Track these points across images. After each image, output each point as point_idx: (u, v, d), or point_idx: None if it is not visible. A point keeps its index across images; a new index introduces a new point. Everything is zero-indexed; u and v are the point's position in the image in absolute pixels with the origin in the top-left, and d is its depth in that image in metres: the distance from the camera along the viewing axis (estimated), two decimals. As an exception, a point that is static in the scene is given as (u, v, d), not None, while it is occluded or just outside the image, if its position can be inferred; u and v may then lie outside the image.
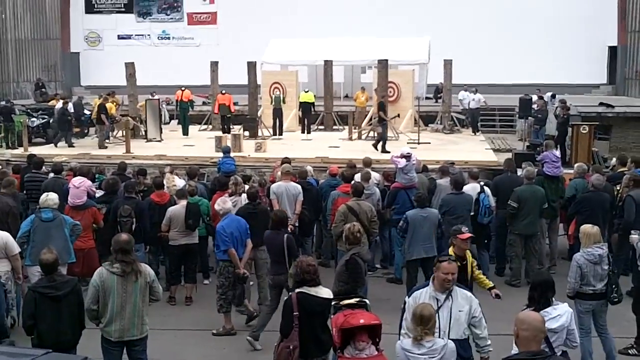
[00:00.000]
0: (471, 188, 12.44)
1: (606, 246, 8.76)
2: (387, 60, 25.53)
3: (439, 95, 31.48)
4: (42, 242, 9.50)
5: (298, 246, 11.75)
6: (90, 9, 42.97)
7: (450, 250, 8.39)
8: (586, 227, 8.74)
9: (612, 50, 37.17)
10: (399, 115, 25.45)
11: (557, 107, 23.16)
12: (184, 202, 11.63)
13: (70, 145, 23.19)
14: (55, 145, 23.27)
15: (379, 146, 21.46)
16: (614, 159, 16.71)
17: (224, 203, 10.51)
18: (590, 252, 8.49)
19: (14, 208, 11.11)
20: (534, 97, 25.75)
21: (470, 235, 8.56)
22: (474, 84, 29.55)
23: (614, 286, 8.58)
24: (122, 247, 7.27)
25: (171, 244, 11.61)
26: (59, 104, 25.26)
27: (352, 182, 12.18)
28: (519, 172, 13.81)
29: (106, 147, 22.90)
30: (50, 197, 10.19)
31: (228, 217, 10.29)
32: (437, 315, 6.34)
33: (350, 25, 36.19)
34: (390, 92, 25.97)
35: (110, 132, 24.31)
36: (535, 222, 12.30)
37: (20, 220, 10.82)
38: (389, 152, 19.69)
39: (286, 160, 14.69)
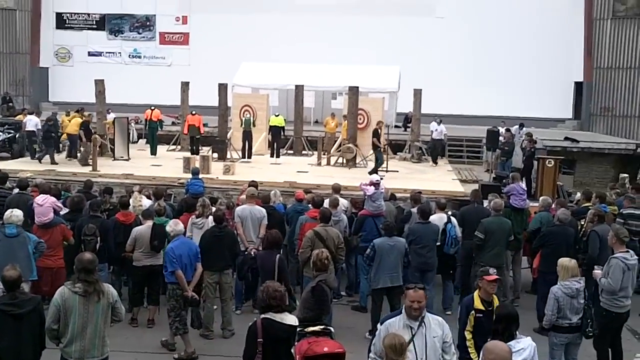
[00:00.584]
0: (438, 218, 12.51)
1: (583, 280, 8.84)
2: (357, 87, 25.69)
3: (408, 124, 31.70)
4: (5, 258, 9.27)
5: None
6: (61, 24, 42.75)
7: (476, 294, 8.00)
8: (564, 261, 8.82)
9: (578, 85, 37.86)
10: (391, 142, 25.06)
11: (523, 140, 23.45)
12: (149, 223, 11.51)
13: (54, 162, 22.87)
14: (40, 161, 22.99)
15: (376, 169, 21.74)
16: (579, 194, 16.91)
17: (175, 225, 10.53)
18: (567, 285, 8.58)
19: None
20: (501, 130, 26.05)
21: (497, 277, 8.07)
22: (443, 114, 29.87)
23: (589, 320, 8.67)
24: (85, 267, 7.13)
25: (135, 265, 11.45)
26: (28, 119, 24.91)
27: (321, 207, 12.16)
28: (485, 203, 13.92)
29: (89, 164, 22.38)
30: (14, 214, 10.00)
31: (179, 239, 10.31)
32: (413, 343, 6.32)
33: (322, 52, 36.37)
34: (360, 119, 26.08)
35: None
36: (501, 254, 12.31)
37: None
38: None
39: (252, 184, 14.65)
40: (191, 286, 10.16)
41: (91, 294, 7.09)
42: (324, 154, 25.52)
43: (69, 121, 24.45)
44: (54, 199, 12.03)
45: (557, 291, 8.60)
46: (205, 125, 27.73)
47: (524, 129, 28.41)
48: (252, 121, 26.15)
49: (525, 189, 14.57)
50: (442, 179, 22.85)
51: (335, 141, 26.85)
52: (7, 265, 7.52)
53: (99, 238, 11.22)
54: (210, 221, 11.69)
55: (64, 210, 12.51)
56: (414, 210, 13.25)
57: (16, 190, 13.51)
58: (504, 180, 19.36)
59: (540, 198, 14.38)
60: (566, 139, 29.94)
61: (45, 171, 20.96)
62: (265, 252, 10.12)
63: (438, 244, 12.15)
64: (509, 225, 12.38)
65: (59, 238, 11.13)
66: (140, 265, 11.40)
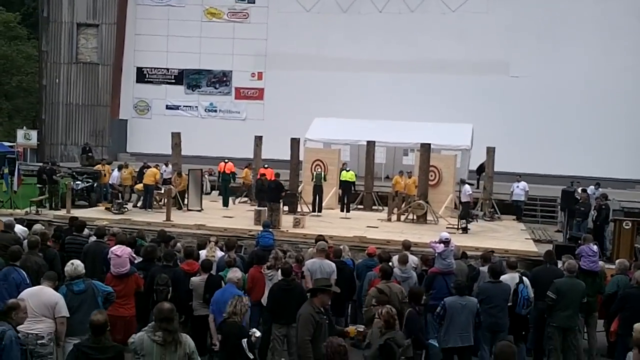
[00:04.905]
0: (510, 278, 12.25)
1: None
2: (429, 144, 25.61)
3: (482, 172, 30.72)
4: (76, 313, 9.40)
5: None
6: (141, 78, 44.27)
7: None
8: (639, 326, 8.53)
9: (654, 145, 36.92)
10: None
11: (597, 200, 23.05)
12: (204, 276, 11.64)
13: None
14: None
15: None
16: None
17: (233, 272, 10.88)
18: (646, 351, 8.28)
19: (43, 267, 11.13)
20: (578, 190, 25.47)
21: None
22: (516, 172, 29.52)
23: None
24: (166, 316, 7.22)
25: (194, 315, 11.65)
26: (113, 174, 26.07)
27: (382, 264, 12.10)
28: (560, 264, 13.60)
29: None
30: (76, 267, 9.85)
31: (226, 286, 10.70)
32: None
33: (394, 109, 36.56)
34: (432, 176, 25.96)
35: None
36: (574, 316, 11.99)
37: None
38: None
39: (320, 238, 14.67)
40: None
41: (169, 343, 7.17)
42: (394, 211, 25.39)
43: (130, 174, 26.14)
44: (129, 249, 12.20)
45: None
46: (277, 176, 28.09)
47: (600, 189, 27.71)
48: (323, 175, 26.32)
49: (596, 251, 14.14)
50: (515, 238, 22.43)
51: (404, 197, 26.71)
52: (78, 321, 7.60)
53: (170, 288, 11.36)
54: (280, 274, 11.71)
55: (138, 260, 12.71)
56: (483, 269, 13.07)
57: (93, 239, 13.82)
58: (579, 242, 18.86)
59: (617, 261, 14.00)
60: (644, 200, 29.09)
61: (121, 220, 21.48)
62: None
63: (510, 304, 11.89)
64: (582, 287, 12.04)
65: (133, 287, 11.27)
66: (196, 315, 11.56)
